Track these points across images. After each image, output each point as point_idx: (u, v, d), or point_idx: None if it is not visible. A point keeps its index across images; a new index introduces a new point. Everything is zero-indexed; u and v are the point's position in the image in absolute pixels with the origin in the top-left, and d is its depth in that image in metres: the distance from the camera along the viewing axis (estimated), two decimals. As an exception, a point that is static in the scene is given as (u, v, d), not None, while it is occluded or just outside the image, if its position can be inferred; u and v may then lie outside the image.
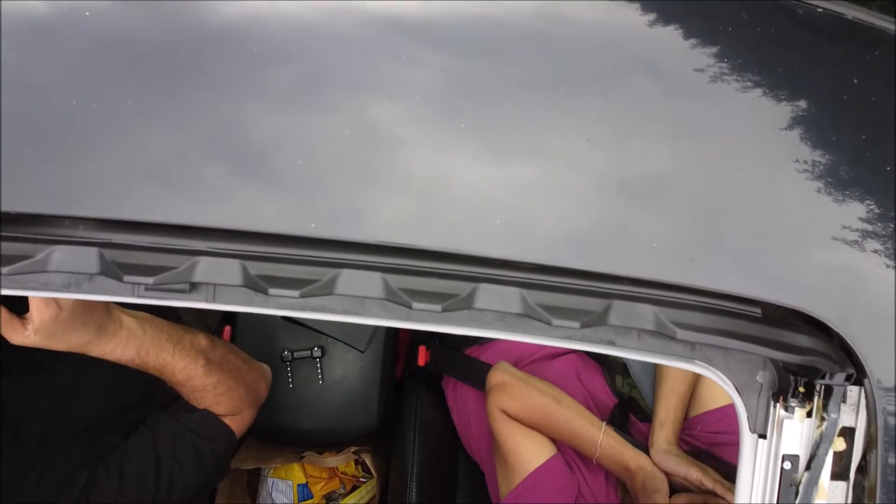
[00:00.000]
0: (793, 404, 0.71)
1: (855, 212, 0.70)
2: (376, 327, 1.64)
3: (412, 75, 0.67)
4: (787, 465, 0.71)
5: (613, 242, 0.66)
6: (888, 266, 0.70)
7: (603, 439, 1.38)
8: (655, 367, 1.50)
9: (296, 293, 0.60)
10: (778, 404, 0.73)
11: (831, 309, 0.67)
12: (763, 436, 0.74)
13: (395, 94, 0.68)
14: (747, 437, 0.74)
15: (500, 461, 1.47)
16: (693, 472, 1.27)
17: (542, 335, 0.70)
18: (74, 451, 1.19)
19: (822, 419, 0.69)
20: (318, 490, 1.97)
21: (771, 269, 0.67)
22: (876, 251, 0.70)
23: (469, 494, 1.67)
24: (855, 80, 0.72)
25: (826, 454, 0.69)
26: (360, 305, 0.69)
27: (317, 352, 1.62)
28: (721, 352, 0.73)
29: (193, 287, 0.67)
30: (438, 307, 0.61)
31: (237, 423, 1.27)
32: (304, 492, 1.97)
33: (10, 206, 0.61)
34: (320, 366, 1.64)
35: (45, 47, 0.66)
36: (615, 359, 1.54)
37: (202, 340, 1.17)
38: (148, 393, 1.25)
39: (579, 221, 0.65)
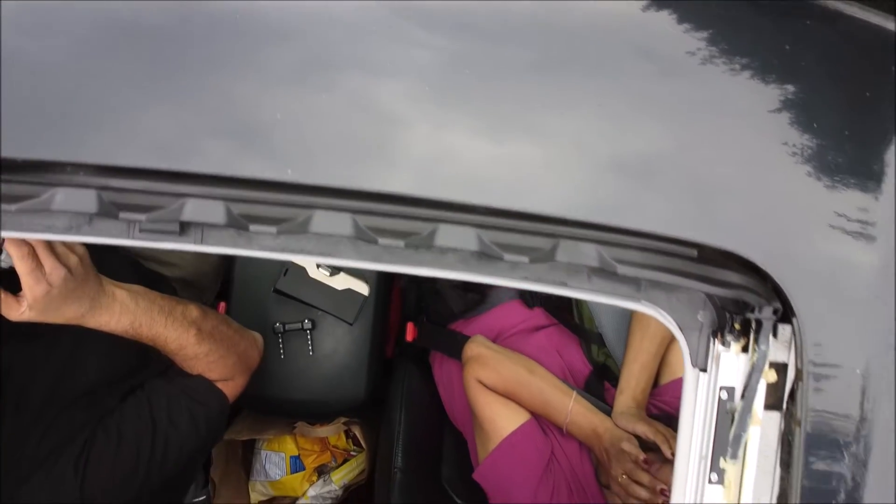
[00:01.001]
0: (729, 339, 0.78)
1: (790, 161, 0.77)
2: (364, 301, 1.71)
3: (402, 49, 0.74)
4: (724, 395, 0.78)
5: (561, 189, 0.73)
6: (815, 213, 0.77)
7: (573, 406, 1.45)
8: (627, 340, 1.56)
9: (273, 229, 0.67)
10: (716, 340, 0.80)
11: (761, 251, 0.74)
12: (704, 370, 0.81)
13: (374, 59, 0.75)
14: (690, 372, 0.81)
15: (478, 429, 1.54)
16: (640, 427, 1.34)
17: (499, 276, 0.77)
18: (75, 414, 1.26)
19: (755, 351, 0.76)
20: (310, 462, 2.04)
21: (706, 213, 0.75)
22: (805, 200, 0.77)
23: (454, 465, 1.74)
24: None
25: (758, 384, 0.76)
26: (333, 246, 0.76)
27: (307, 324, 1.69)
28: (664, 293, 0.80)
29: (183, 229, 0.74)
30: (401, 243, 0.68)
31: (230, 388, 1.33)
32: (297, 464, 2.04)
33: (16, 152, 0.68)
34: (311, 338, 1.70)
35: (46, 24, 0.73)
36: (591, 329, 1.61)
37: (194, 311, 1.22)
38: (145, 360, 1.31)
39: (528, 168, 0.72)
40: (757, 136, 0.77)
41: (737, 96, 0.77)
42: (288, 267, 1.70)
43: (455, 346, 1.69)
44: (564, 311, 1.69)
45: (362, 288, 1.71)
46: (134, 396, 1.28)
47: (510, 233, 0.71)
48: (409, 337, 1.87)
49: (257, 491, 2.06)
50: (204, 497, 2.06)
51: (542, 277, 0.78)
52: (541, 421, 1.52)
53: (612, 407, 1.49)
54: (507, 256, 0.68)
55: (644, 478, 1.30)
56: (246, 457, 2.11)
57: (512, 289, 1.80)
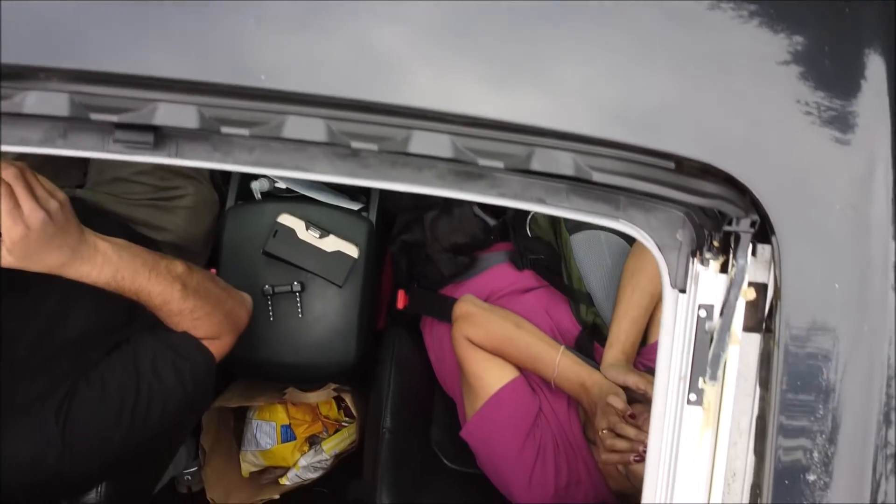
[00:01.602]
0: (708, 257, 0.78)
1: (768, 74, 0.76)
2: (354, 263, 1.71)
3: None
4: (703, 314, 0.78)
5: (539, 98, 0.72)
6: (793, 126, 0.76)
7: (560, 359, 1.44)
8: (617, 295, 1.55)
9: (245, 131, 0.67)
10: (695, 259, 0.79)
11: (738, 164, 0.74)
12: (683, 290, 0.80)
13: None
14: (669, 293, 0.81)
15: (466, 387, 1.54)
16: (631, 378, 1.34)
17: (476, 192, 0.77)
18: (60, 364, 1.25)
19: (734, 266, 0.76)
20: (302, 432, 2.04)
21: (684, 126, 0.74)
22: (783, 114, 0.77)
23: (443, 429, 1.74)
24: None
25: (736, 300, 0.76)
26: (309, 161, 0.75)
27: (296, 286, 1.69)
28: (643, 211, 0.80)
29: (158, 143, 0.74)
30: (375, 146, 0.67)
31: (216, 347, 1.32)
32: (288, 433, 2.03)
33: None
34: (300, 300, 1.70)
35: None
36: (580, 289, 1.61)
37: (179, 267, 1.22)
38: (132, 315, 1.30)
39: (504, 75, 0.71)
40: (734, 49, 0.77)
41: (714, 11, 0.77)
42: (277, 229, 1.70)
43: (445, 310, 1.69)
44: (554, 273, 1.68)
45: (352, 250, 1.71)
46: (119, 350, 1.27)
47: (485, 140, 0.70)
48: (400, 304, 1.87)
49: (248, 461, 2.05)
50: (196, 468, 2.06)
51: (519, 194, 0.77)
52: (529, 378, 1.51)
53: (597, 363, 1.48)
54: (482, 161, 0.68)
55: (629, 431, 1.29)
56: (238, 427, 2.11)
57: (502, 252, 1.79)
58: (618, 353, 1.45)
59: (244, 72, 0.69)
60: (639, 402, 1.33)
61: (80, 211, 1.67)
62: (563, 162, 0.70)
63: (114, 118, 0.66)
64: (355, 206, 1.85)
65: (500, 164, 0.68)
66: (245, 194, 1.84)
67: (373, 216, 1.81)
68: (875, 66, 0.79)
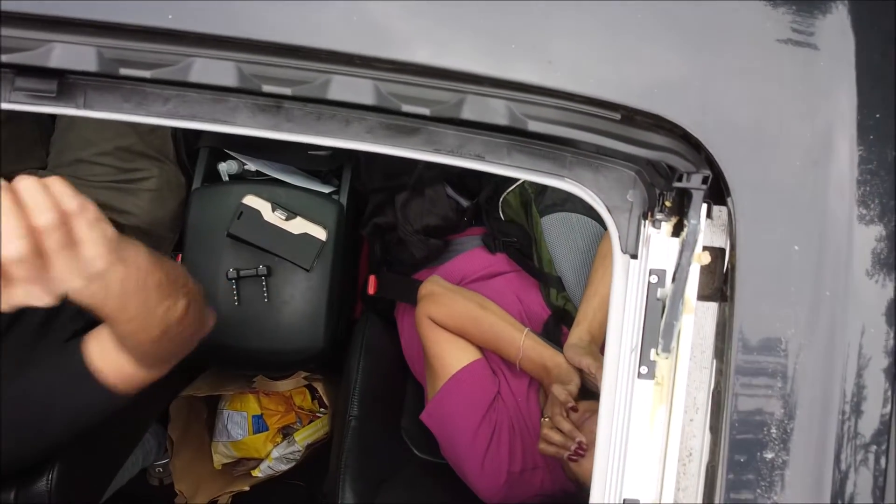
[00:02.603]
0: (660, 219, 0.72)
1: (721, 26, 0.71)
2: (322, 246, 1.65)
3: None
4: (654, 279, 0.72)
5: (470, 43, 0.66)
6: (750, 81, 0.71)
7: (524, 341, 1.39)
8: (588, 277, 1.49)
9: (147, 73, 0.61)
10: (647, 222, 0.74)
11: (690, 116, 0.68)
12: (634, 256, 0.75)
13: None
14: (619, 259, 0.75)
15: (428, 369, 1.48)
16: (585, 360, 1.27)
17: (409, 148, 0.71)
18: None
19: (685, 226, 0.70)
20: (274, 423, 1.99)
21: (630, 74, 0.68)
22: (739, 67, 0.71)
23: (414, 418, 1.67)
24: None
25: (688, 264, 0.70)
26: (229, 113, 0.70)
27: (262, 270, 1.63)
28: (591, 171, 0.74)
29: (63, 90, 0.68)
30: (289, 90, 0.62)
31: (139, 377, 1.10)
32: (260, 423, 1.98)
33: None
34: (266, 284, 1.64)
35: None
36: (550, 273, 1.55)
37: (179, 309, 1.00)
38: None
39: (434, 19, 0.66)
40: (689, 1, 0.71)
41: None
42: (242, 210, 1.64)
43: (414, 294, 1.63)
44: (526, 256, 1.63)
45: (320, 233, 1.65)
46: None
47: (413, 87, 0.65)
48: (371, 290, 1.81)
49: (220, 452, 2.00)
50: (166, 460, 2.01)
51: (456, 150, 0.72)
52: (491, 360, 1.46)
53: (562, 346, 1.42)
54: (406, 107, 0.62)
55: (564, 425, 1.23)
56: (210, 418, 2.06)
57: (477, 237, 1.74)
58: (583, 333, 1.38)
59: (150, 10, 0.63)
60: (592, 398, 1.26)
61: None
62: (497, 110, 0.64)
63: (3, 58, 0.60)
64: (327, 190, 1.79)
65: (426, 111, 0.62)
66: (213, 177, 1.79)
67: (344, 199, 1.76)
68: (839, 25, 0.73)
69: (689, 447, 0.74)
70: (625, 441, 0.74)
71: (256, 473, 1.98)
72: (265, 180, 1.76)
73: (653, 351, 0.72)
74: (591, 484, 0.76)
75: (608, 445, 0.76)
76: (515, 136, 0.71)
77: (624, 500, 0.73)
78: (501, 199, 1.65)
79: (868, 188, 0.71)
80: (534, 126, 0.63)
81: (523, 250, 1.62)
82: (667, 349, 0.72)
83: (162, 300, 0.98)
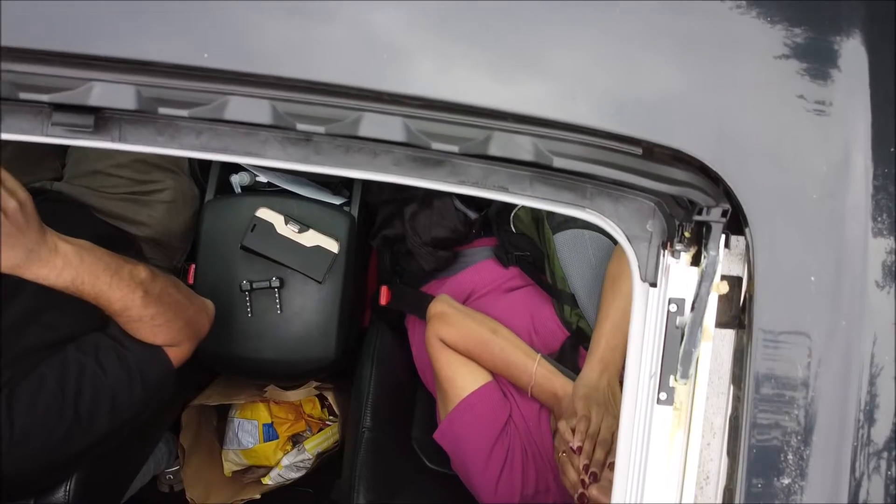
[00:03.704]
0: (679, 249, 0.74)
1: (741, 58, 0.73)
2: (334, 259, 1.67)
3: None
4: (673, 308, 0.74)
5: (497, 80, 0.68)
6: (768, 114, 0.73)
7: (537, 369, 1.40)
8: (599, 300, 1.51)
9: (185, 112, 0.63)
10: (666, 251, 0.76)
11: (710, 151, 0.70)
12: (653, 284, 0.77)
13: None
14: (638, 287, 0.77)
15: (439, 389, 1.50)
16: (577, 404, 1.28)
17: (435, 179, 0.73)
18: None
19: (705, 257, 0.72)
20: (284, 431, 2.00)
21: (651, 110, 0.70)
22: (757, 100, 0.73)
23: (424, 428, 1.69)
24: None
25: (707, 294, 0.72)
26: (259, 146, 0.72)
27: (275, 282, 1.65)
28: (611, 201, 0.76)
29: (99, 125, 0.70)
30: (322, 128, 0.64)
31: (174, 353, 1.27)
32: (270, 432, 2.00)
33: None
34: (279, 296, 1.66)
35: None
36: (564, 289, 1.57)
37: (142, 272, 1.17)
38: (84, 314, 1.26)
39: (461, 56, 0.68)
40: (709, 34, 0.73)
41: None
42: (256, 223, 1.66)
43: (424, 307, 1.65)
44: (540, 271, 1.64)
45: (332, 245, 1.67)
46: (62, 348, 1.23)
47: (441, 124, 0.66)
48: (383, 300, 1.83)
49: (230, 460, 2.02)
50: (177, 468, 2.03)
51: (480, 182, 0.74)
52: (501, 384, 1.47)
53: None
54: (435, 145, 0.64)
55: (574, 460, 1.24)
56: (220, 426, 2.08)
57: (487, 248, 1.76)
58: (594, 364, 1.39)
59: (185, 50, 0.65)
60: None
61: (57, 204, 1.66)
62: (523, 146, 0.66)
63: (45, 97, 0.62)
64: (338, 201, 1.81)
65: (454, 149, 0.64)
66: (225, 188, 1.81)
67: (355, 211, 1.78)
68: (854, 54, 0.75)
69: (707, 471, 0.76)
70: (644, 464, 0.76)
71: (266, 481, 2.00)
72: (277, 192, 1.78)
73: (671, 377, 0.74)
74: (611, 506, 0.78)
75: (627, 469, 0.78)
76: (537, 167, 0.73)
77: (643, 523, 0.75)
78: (513, 214, 1.67)
79: (883, 217, 0.73)
80: (559, 163, 0.65)
81: (536, 264, 1.64)
82: (685, 376, 0.74)
83: (121, 264, 1.14)
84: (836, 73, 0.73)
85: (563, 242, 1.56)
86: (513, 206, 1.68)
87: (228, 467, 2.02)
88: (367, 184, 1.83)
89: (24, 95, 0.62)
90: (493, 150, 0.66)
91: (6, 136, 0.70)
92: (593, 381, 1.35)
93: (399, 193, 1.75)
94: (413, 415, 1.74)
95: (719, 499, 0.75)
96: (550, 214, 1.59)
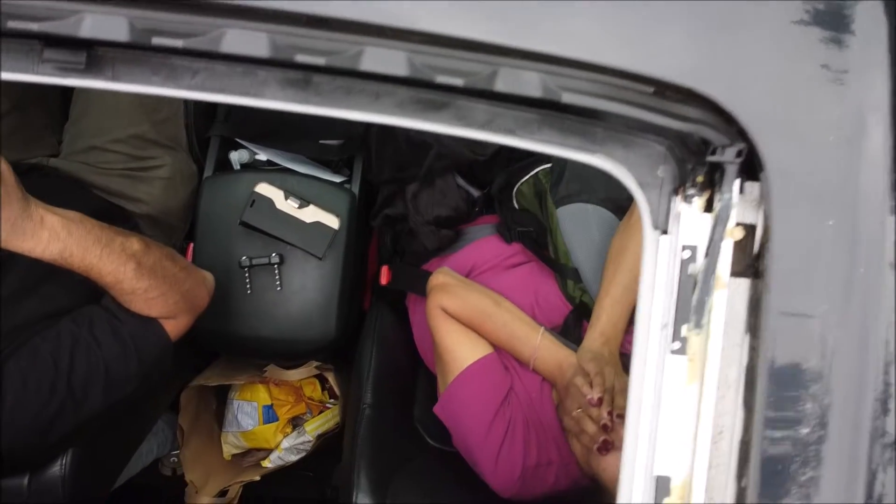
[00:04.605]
0: (692, 194, 0.72)
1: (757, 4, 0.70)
2: (334, 235, 1.65)
3: None
4: (686, 255, 0.72)
5: (504, 14, 0.66)
6: (787, 54, 0.70)
7: (540, 341, 1.38)
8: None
9: (179, 42, 0.61)
10: (678, 198, 0.73)
11: (725, 90, 0.68)
12: (665, 231, 0.74)
13: None
14: (649, 235, 0.75)
15: (439, 361, 1.47)
16: (589, 365, 1.27)
17: (440, 122, 0.71)
18: None
19: (719, 201, 0.69)
20: (284, 413, 1.98)
21: (664, 48, 0.68)
22: (777, 41, 0.70)
23: (426, 407, 1.67)
24: None
25: (721, 239, 0.69)
26: (258, 87, 0.69)
27: (275, 258, 1.63)
28: (622, 147, 0.73)
29: (91, 63, 0.68)
30: (321, 60, 0.61)
31: (171, 326, 1.25)
32: (270, 414, 1.97)
33: None
34: (279, 273, 1.64)
35: None
36: (567, 264, 1.54)
37: (135, 244, 1.15)
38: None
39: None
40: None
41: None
42: (255, 198, 1.64)
43: (426, 285, 1.63)
44: (542, 247, 1.62)
45: (332, 221, 1.65)
46: (57, 320, 1.21)
47: (445, 59, 0.64)
48: (384, 280, 1.81)
49: (230, 443, 1.99)
50: (179, 451, 2.01)
51: (486, 125, 0.71)
52: (503, 357, 1.45)
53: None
54: (440, 78, 0.61)
55: (593, 412, 1.23)
56: (219, 408, 2.05)
57: (490, 225, 1.73)
58: (595, 335, 1.38)
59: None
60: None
61: (54, 180, 1.64)
62: (530, 82, 0.64)
63: (34, 26, 0.60)
64: (338, 179, 1.79)
65: (459, 82, 0.62)
66: (224, 166, 1.78)
67: (356, 188, 1.75)
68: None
69: (721, 424, 0.74)
70: (656, 417, 0.73)
71: (266, 464, 1.98)
72: (277, 169, 1.75)
73: (685, 327, 0.72)
74: (622, 460, 0.76)
75: (637, 422, 0.75)
76: (545, 108, 0.70)
77: (656, 476, 0.73)
78: (515, 190, 1.64)
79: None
80: (568, 98, 0.63)
81: (539, 240, 1.62)
82: (699, 325, 0.72)
83: (112, 236, 1.12)
84: (854, 23, 0.71)
85: (566, 216, 1.54)
86: (515, 181, 1.65)
87: (228, 450, 2.00)
88: (367, 163, 1.80)
89: (12, 24, 0.60)
90: (500, 86, 0.64)
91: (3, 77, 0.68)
92: (596, 349, 1.33)
93: (400, 173, 1.73)
94: (415, 396, 1.71)
95: (734, 453, 0.73)
96: (554, 189, 1.57)
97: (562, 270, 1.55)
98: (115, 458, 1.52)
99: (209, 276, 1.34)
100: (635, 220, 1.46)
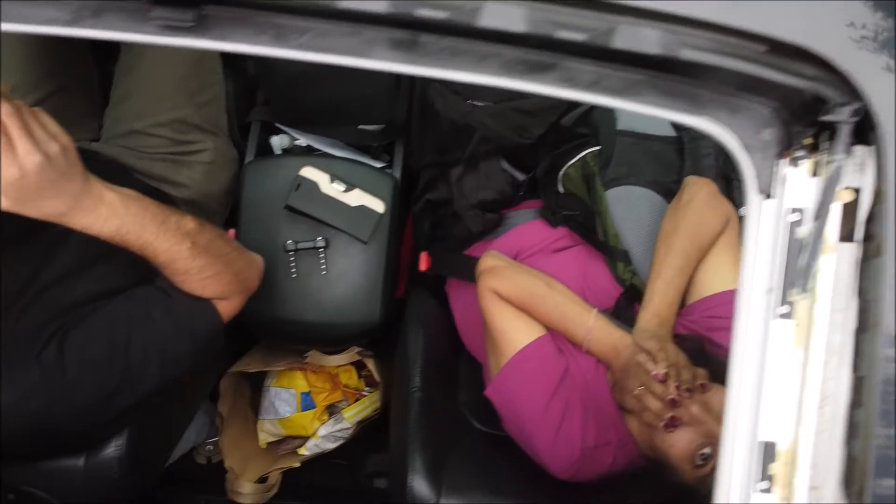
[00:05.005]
0: (799, 156, 0.71)
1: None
2: (379, 219, 1.64)
3: None
4: (795, 218, 0.71)
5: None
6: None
7: (594, 322, 1.37)
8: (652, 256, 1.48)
9: None
10: (784, 161, 0.72)
11: (838, 48, 0.67)
12: (768, 196, 0.73)
13: None
14: (754, 199, 0.74)
15: (491, 344, 1.46)
16: (649, 343, 1.27)
17: (544, 84, 0.70)
18: (43, 305, 1.20)
19: (829, 163, 0.69)
20: (321, 400, 1.97)
21: (774, 9, 0.67)
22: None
23: (470, 392, 1.66)
24: None
25: (830, 201, 0.69)
26: (364, 47, 0.69)
27: (320, 242, 1.62)
28: (727, 110, 0.73)
29: (199, 22, 0.67)
30: (442, 14, 0.61)
31: (224, 307, 1.24)
32: (308, 401, 1.96)
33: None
34: (324, 257, 1.63)
35: None
36: (616, 246, 1.54)
37: (189, 223, 1.15)
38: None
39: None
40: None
41: None
42: (300, 182, 1.63)
43: (471, 269, 1.62)
44: (588, 230, 1.61)
45: (377, 205, 1.64)
46: (108, 299, 1.21)
47: (563, 16, 0.63)
48: (423, 266, 1.80)
49: (266, 431, 1.99)
50: (216, 438, 2.00)
51: (591, 86, 0.70)
52: (556, 339, 1.44)
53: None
54: (560, 33, 0.61)
55: (657, 388, 1.22)
56: (254, 397, 2.05)
57: (532, 210, 1.73)
58: (649, 316, 1.38)
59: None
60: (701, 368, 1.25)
61: (95, 164, 1.64)
62: (649, 39, 0.63)
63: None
64: (378, 165, 1.78)
65: (581, 37, 0.61)
66: (264, 151, 1.78)
67: (397, 173, 1.75)
68: None
69: (826, 390, 0.73)
70: (760, 383, 0.73)
71: (303, 451, 1.97)
72: (318, 154, 1.75)
73: (792, 291, 0.71)
74: (724, 426, 0.75)
75: (739, 387, 0.75)
76: (655, 70, 0.70)
77: (762, 442, 0.72)
78: (562, 173, 1.64)
79: None
80: (687, 54, 0.62)
81: (585, 224, 1.61)
82: (805, 289, 0.71)
83: (168, 214, 1.12)
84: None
85: (616, 199, 1.53)
86: (562, 165, 1.65)
87: (263, 438, 1.99)
88: (408, 147, 1.80)
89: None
90: (618, 43, 0.63)
91: (100, 35, 0.67)
92: (653, 329, 1.32)
93: (443, 156, 1.72)
94: (458, 380, 1.70)
95: (840, 419, 0.72)
96: (603, 172, 1.56)
97: (611, 253, 1.54)
98: (166, 439, 1.52)
99: (259, 258, 1.33)
100: (685, 202, 1.46)
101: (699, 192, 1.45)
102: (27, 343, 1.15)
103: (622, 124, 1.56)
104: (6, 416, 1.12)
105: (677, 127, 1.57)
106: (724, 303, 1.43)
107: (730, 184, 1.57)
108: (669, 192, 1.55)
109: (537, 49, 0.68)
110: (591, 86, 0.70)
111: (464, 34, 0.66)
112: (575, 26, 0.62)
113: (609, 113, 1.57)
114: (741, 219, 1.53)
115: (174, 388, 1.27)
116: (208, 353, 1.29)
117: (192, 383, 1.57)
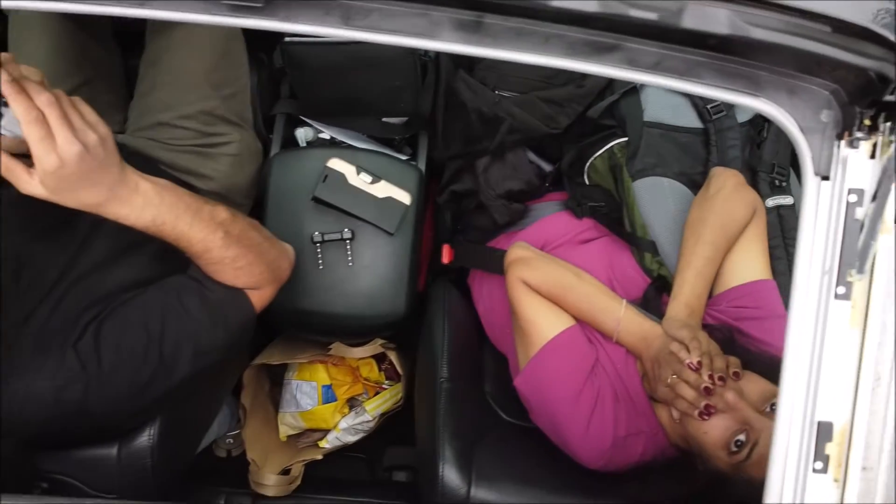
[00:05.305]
0: (858, 138, 0.72)
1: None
2: (406, 210, 1.64)
3: None
4: (853, 199, 0.72)
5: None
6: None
7: (624, 312, 1.38)
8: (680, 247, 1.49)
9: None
10: (842, 142, 0.73)
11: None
12: (826, 177, 0.74)
13: None
14: (811, 181, 0.75)
15: (519, 334, 1.47)
16: (681, 332, 1.27)
17: (608, 65, 0.71)
18: (79, 294, 1.20)
19: (889, 144, 0.69)
20: (342, 393, 1.97)
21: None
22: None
23: (496, 383, 1.67)
24: None
25: (891, 182, 0.69)
26: (430, 28, 0.69)
27: (347, 233, 1.62)
28: (785, 90, 0.73)
29: (267, 3, 0.68)
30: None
31: (256, 297, 1.25)
32: (329, 394, 1.97)
33: None
34: (350, 248, 1.64)
35: None
36: (644, 237, 1.54)
37: (222, 213, 1.15)
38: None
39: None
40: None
41: None
42: (327, 174, 1.63)
43: (496, 261, 1.63)
44: (614, 222, 1.62)
45: (404, 197, 1.65)
46: (141, 289, 1.22)
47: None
48: (446, 259, 1.81)
49: (287, 423, 1.99)
50: (237, 431, 2.00)
51: (653, 67, 0.71)
52: (586, 329, 1.45)
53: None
54: (633, 12, 0.61)
55: (691, 377, 1.23)
56: (274, 390, 2.05)
57: (557, 202, 1.73)
58: (679, 306, 1.38)
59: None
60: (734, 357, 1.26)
61: (122, 155, 1.64)
62: (718, 20, 0.64)
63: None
64: (402, 157, 1.79)
65: (654, 16, 0.62)
66: (288, 144, 1.78)
67: (422, 164, 1.75)
68: None
69: (878, 371, 0.74)
70: (817, 363, 0.73)
71: (323, 444, 1.97)
72: (344, 146, 1.75)
73: (849, 272, 0.72)
74: (779, 406, 0.76)
75: (795, 368, 0.75)
76: (715, 53, 0.70)
77: (818, 422, 0.73)
78: (588, 164, 1.64)
79: None
80: (756, 33, 0.63)
81: (611, 215, 1.62)
82: (862, 270, 0.72)
83: (201, 204, 1.13)
84: None
85: (643, 189, 1.54)
86: (588, 156, 1.65)
87: (284, 431, 1.99)
88: (433, 140, 1.80)
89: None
90: (687, 22, 0.64)
91: (175, 17, 0.68)
92: (683, 318, 1.33)
93: (469, 147, 1.72)
94: (483, 371, 1.71)
95: (892, 400, 0.73)
96: (630, 162, 1.57)
97: (639, 244, 1.55)
98: (196, 429, 1.52)
99: (290, 248, 1.34)
100: (712, 192, 1.47)
101: (726, 183, 1.46)
102: (63, 332, 1.15)
103: (649, 116, 1.56)
104: (42, 403, 1.12)
105: (703, 118, 1.58)
106: (752, 293, 1.44)
107: (755, 175, 1.58)
108: (696, 183, 1.55)
109: (600, 31, 0.68)
110: (653, 67, 0.71)
111: (529, 15, 0.67)
112: (646, 6, 0.63)
113: (636, 104, 1.58)
114: (769, 210, 1.54)
115: (205, 378, 1.28)
116: (240, 344, 1.29)
117: (222, 373, 1.57)
